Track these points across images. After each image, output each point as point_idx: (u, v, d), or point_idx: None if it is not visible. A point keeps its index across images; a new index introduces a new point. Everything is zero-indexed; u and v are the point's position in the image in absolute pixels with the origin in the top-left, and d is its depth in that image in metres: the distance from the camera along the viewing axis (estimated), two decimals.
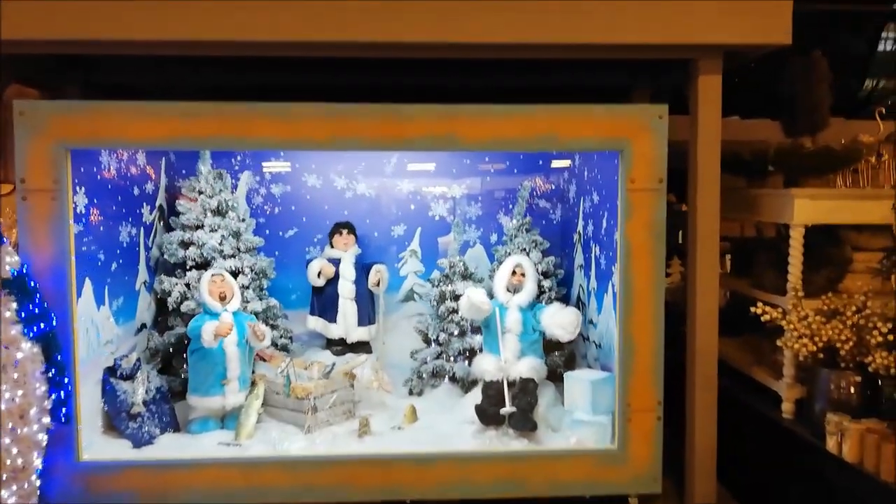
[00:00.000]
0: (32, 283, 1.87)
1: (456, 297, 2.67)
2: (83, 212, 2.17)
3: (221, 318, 2.36)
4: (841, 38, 3.91)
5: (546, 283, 2.73)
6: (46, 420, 1.86)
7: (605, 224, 2.37)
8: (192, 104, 2.02)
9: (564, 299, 2.78)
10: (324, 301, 2.77)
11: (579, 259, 2.75)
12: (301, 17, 1.97)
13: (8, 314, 1.78)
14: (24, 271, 1.86)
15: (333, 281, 2.74)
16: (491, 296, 2.52)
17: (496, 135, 2.12)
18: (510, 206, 2.93)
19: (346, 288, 2.74)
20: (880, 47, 3.99)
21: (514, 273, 2.54)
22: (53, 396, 1.88)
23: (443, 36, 2.01)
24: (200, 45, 2.02)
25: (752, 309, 2.23)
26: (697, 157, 2.18)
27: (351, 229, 2.80)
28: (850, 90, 3.92)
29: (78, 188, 2.12)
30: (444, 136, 2.11)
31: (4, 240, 1.85)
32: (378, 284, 2.75)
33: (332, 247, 2.79)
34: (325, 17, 1.98)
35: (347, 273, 2.74)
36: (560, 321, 2.44)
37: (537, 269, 2.65)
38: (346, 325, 2.74)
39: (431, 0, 2.00)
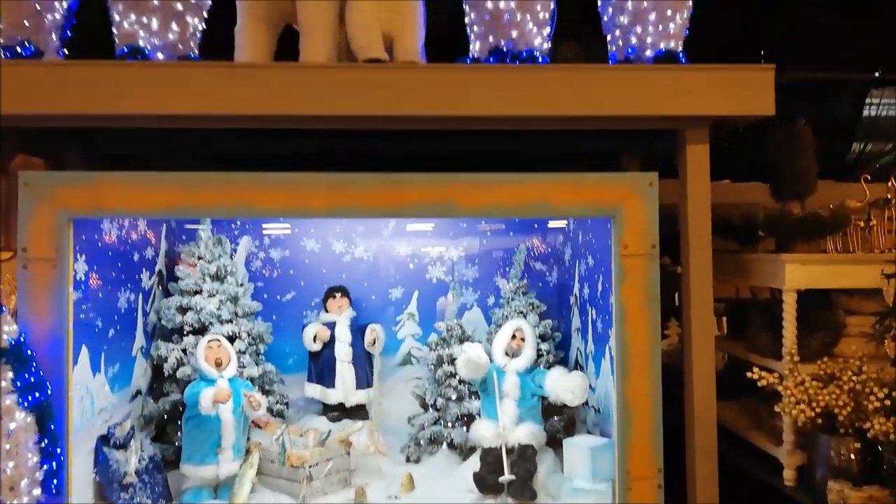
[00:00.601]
0: (29, 352, 1.87)
1: (454, 361, 2.67)
2: (83, 279, 2.18)
3: (218, 385, 2.35)
4: (826, 103, 4.03)
5: (544, 347, 2.73)
6: (37, 492, 1.82)
7: (600, 287, 2.39)
8: (193, 174, 2.06)
9: (562, 363, 2.77)
10: (321, 366, 2.77)
11: (576, 322, 2.76)
12: (297, 93, 2.03)
13: (4, 384, 1.77)
14: (22, 340, 1.86)
15: (330, 345, 2.74)
16: (489, 359, 2.51)
17: (490, 202, 2.16)
18: (507, 269, 2.96)
19: (342, 350, 2.73)
20: (865, 112, 4.11)
21: (513, 337, 2.54)
22: (45, 467, 1.85)
23: (436, 110, 2.08)
24: (201, 119, 2.07)
25: (749, 374, 2.23)
26: (688, 225, 2.22)
27: (344, 293, 2.82)
28: (838, 153, 4.01)
29: (78, 256, 2.14)
30: (441, 204, 2.15)
31: (3, 308, 1.86)
32: (374, 343, 2.75)
33: (327, 311, 2.80)
34: (323, 92, 2.04)
35: (343, 336, 2.75)
36: (568, 385, 2.43)
37: (535, 333, 2.65)
38: (345, 388, 2.72)
39: (424, 74, 2.08)
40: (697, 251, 2.23)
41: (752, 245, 2.67)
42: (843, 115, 4.09)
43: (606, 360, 2.33)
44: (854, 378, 2.11)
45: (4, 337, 1.81)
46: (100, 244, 2.32)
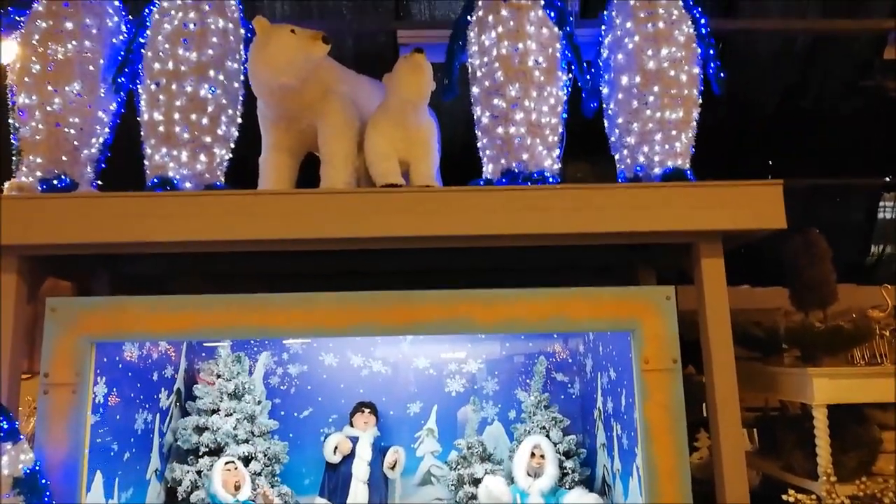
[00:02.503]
0: (44, 481, 1.85)
1: (475, 482, 2.58)
2: (101, 401, 2.19)
3: None
4: (839, 208, 4.06)
5: (568, 464, 2.63)
6: None
7: (624, 402, 2.34)
8: (212, 297, 2.11)
9: (588, 482, 2.66)
10: (335, 480, 2.68)
11: (601, 437, 2.67)
12: (318, 218, 2.11)
13: None
14: (37, 468, 1.85)
15: (348, 460, 2.68)
16: (511, 480, 2.43)
17: (507, 317, 2.16)
18: (527, 381, 2.91)
19: (360, 469, 2.66)
20: (880, 216, 4.13)
21: (532, 455, 2.46)
22: None
23: (452, 230, 2.13)
24: (226, 244, 2.14)
25: (785, 497, 2.12)
26: (709, 338, 2.19)
27: (373, 409, 2.79)
28: (858, 256, 4.00)
29: (98, 378, 2.16)
30: (457, 320, 2.16)
31: (21, 436, 1.86)
32: (394, 467, 2.67)
33: (353, 426, 2.76)
34: (343, 216, 2.11)
35: (364, 453, 2.68)
36: None
37: (558, 449, 2.57)
38: None
39: (439, 197, 2.15)
40: (720, 364, 2.19)
41: (776, 356, 2.62)
42: (858, 218, 4.11)
43: (634, 478, 2.24)
44: None
45: (20, 466, 1.80)
46: (120, 365, 2.34)
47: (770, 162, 3.72)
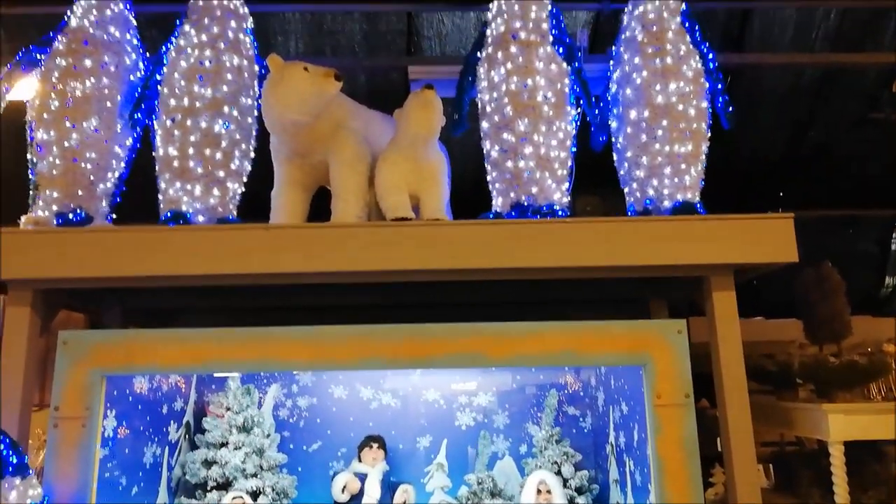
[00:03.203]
0: None
1: None
2: (111, 434, 2.18)
3: None
4: (852, 240, 4.04)
5: (580, 501, 2.59)
6: None
7: (636, 437, 2.31)
8: (222, 330, 2.11)
9: None
10: None
11: (614, 473, 2.63)
12: (329, 251, 2.12)
13: None
14: (45, 503, 1.84)
15: (357, 498, 2.64)
16: None
17: (518, 351, 2.15)
18: (539, 415, 2.88)
19: None
20: (893, 247, 4.10)
21: (539, 492, 2.43)
22: None
23: (463, 264, 2.13)
24: (238, 277, 2.15)
25: None
26: (722, 372, 2.17)
27: (381, 444, 2.76)
28: (872, 288, 3.96)
29: (108, 411, 2.16)
30: (468, 355, 2.15)
31: (30, 471, 1.86)
32: None
33: (360, 461, 2.73)
34: (354, 250, 2.12)
35: (372, 491, 2.65)
36: None
37: (570, 485, 2.53)
38: None
39: (449, 230, 2.16)
40: (733, 399, 2.16)
41: (790, 392, 2.58)
42: (871, 250, 4.08)
43: None
44: None
45: (28, 501, 1.80)
46: (130, 398, 2.34)
47: (781, 194, 3.71)
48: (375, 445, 2.74)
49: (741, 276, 2.24)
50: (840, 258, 2.78)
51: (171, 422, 2.63)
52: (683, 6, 2.46)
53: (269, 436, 2.72)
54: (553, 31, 2.42)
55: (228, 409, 2.70)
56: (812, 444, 2.75)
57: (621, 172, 2.46)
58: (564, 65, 2.39)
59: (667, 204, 2.29)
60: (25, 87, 2.44)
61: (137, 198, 2.48)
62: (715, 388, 2.23)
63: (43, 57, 2.39)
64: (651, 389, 2.10)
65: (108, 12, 2.43)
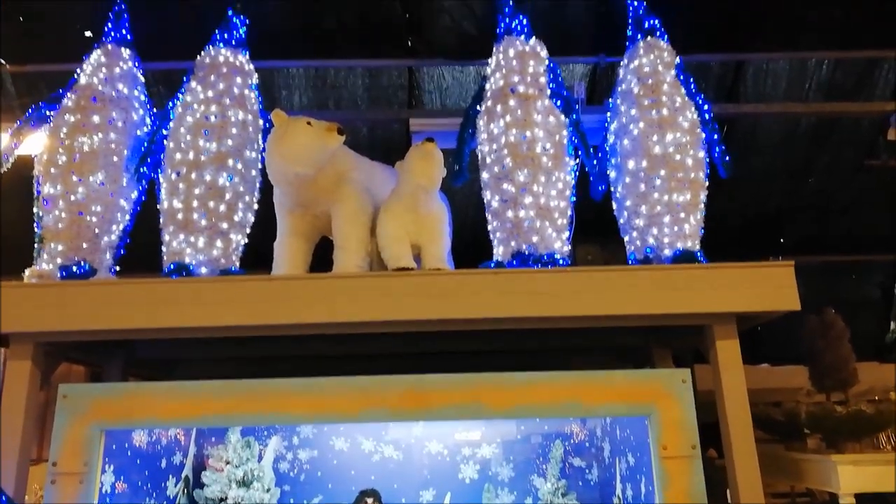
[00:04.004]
0: None
1: None
2: (108, 490, 2.14)
3: None
4: (855, 286, 4.04)
5: None
6: None
7: (644, 489, 2.26)
8: (223, 383, 2.09)
9: None
10: None
11: None
12: (331, 301, 2.12)
13: None
14: None
15: None
16: None
17: (520, 402, 2.12)
18: (544, 466, 2.83)
19: None
20: None
21: None
22: None
23: (464, 313, 2.13)
24: (240, 329, 2.15)
25: None
26: (728, 422, 2.13)
27: (377, 498, 2.70)
28: (877, 334, 3.94)
29: (107, 466, 2.12)
30: (469, 406, 2.12)
31: None
32: None
33: None
34: (356, 300, 2.12)
35: None
36: None
37: None
38: None
39: (451, 280, 2.16)
40: (741, 449, 2.12)
41: (798, 442, 2.54)
42: (875, 295, 4.07)
43: None
44: None
45: None
46: (129, 452, 2.30)
47: (781, 240, 3.73)
48: (370, 500, 2.69)
49: (744, 324, 2.23)
50: (843, 304, 2.77)
51: (170, 476, 2.59)
52: (678, 60, 2.52)
53: (269, 490, 2.67)
54: (551, 85, 2.47)
55: (228, 462, 2.66)
56: (823, 496, 2.69)
57: (621, 221, 2.48)
58: (562, 117, 2.44)
59: (667, 252, 2.30)
60: (34, 142, 2.49)
61: (141, 250, 2.51)
62: (721, 439, 2.19)
63: (52, 113, 2.45)
64: (657, 441, 2.07)
65: (117, 70, 2.50)
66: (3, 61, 3.40)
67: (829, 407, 2.35)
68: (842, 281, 4.04)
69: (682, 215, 2.29)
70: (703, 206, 2.34)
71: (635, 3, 2.63)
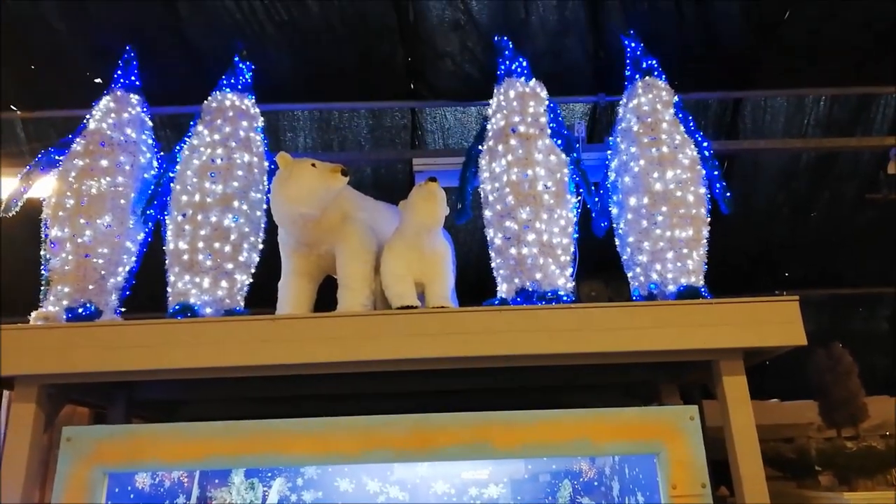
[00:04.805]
0: None
1: None
2: None
3: None
4: (863, 319, 4.02)
5: None
6: None
7: None
8: (226, 424, 2.08)
9: None
10: None
11: None
12: (335, 341, 2.12)
13: None
14: None
15: None
16: None
17: (528, 441, 2.10)
18: None
19: None
20: None
21: None
22: None
23: (468, 351, 2.13)
24: (239, 370, 2.15)
25: None
26: (737, 459, 2.10)
27: None
28: (887, 367, 3.90)
29: None
30: (476, 445, 2.10)
31: None
32: None
33: None
34: (360, 339, 2.12)
35: None
36: None
37: None
38: None
39: (454, 317, 2.16)
40: (751, 488, 2.08)
41: (810, 478, 2.49)
42: (883, 328, 4.04)
43: None
44: None
45: None
46: (132, 495, 2.28)
47: (787, 274, 3.72)
48: None
49: (751, 360, 2.21)
50: (851, 338, 2.75)
51: None
52: (676, 98, 2.56)
53: None
54: (551, 124, 2.51)
55: None
56: None
57: (624, 257, 2.49)
58: (563, 155, 2.47)
59: (671, 288, 2.30)
60: (43, 186, 2.52)
61: (147, 290, 2.52)
62: (732, 477, 2.16)
63: (61, 158, 2.49)
64: (666, 480, 2.03)
65: (125, 115, 2.55)
66: (13, 107, 3.47)
67: (839, 443, 2.32)
68: (848, 314, 4.01)
69: (686, 251, 2.30)
70: (705, 241, 2.35)
71: (633, 45, 2.69)
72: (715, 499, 2.03)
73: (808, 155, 3.84)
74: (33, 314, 2.25)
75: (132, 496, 2.28)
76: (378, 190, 3.55)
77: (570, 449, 2.16)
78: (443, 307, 2.32)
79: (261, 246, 2.47)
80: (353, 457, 2.11)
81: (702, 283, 2.30)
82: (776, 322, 2.13)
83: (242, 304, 2.36)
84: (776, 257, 3.99)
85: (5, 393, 2.65)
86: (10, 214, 2.47)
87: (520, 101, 2.50)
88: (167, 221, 2.41)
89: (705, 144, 2.50)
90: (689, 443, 2.05)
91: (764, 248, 3.97)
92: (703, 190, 2.42)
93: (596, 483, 2.86)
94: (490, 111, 2.58)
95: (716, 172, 2.45)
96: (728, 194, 2.43)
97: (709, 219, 2.40)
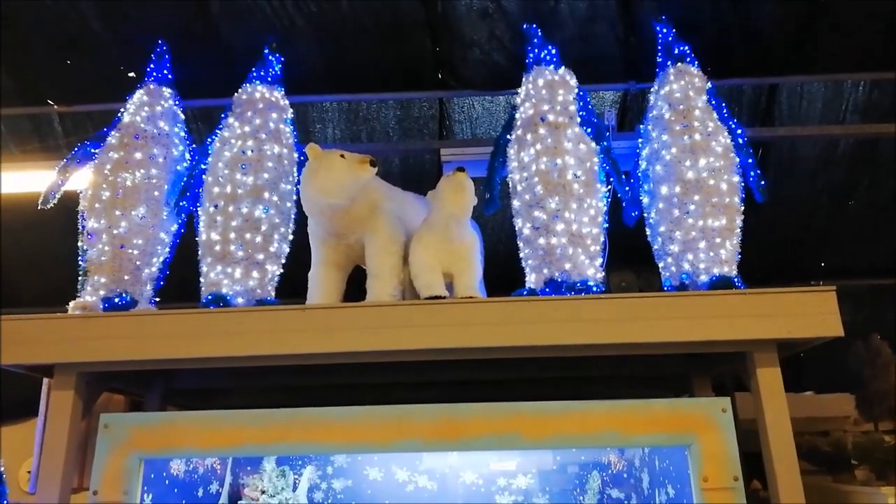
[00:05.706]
0: None
1: None
2: None
3: None
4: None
5: None
6: None
7: None
8: (259, 412, 2.11)
9: None
10: None
11: None
12: (365, 330, 2.13)
13: None
14: None
15: None
16: None
17: (558, 432, 2.09)
18: (581, 498, 2.77)
19: None
20: None
21: None
22: None
23: (497, 342, 2.12)
24: (270, 359, 2.18)
25: None
26: (771, 452, 2.07)
27: None
28: None
29: (145, 495, 2.15)
30: (506, 436, 2.10)
31: None
32: None
33: None
34: (389, 329, 2.13)
35: None
36: None
37: None
38: None
39: (483, 308, 2.16)
40: (785, 481, 2.05)
41: (846, 472, 2.44)
42: None
43: None
44: None
45: None
46: (167, 481, 2.33)
47: (822, 264, 3.63)
48: None
49: (785, 351, 2.17)
50: (890, 330, 2.67)
51: None
52: (709, 85, 2.51)
53: None
54: (581, 113, 2.48)
55: (263, 492, 2.67)
56: None
57: (655, 247, 2.46)
58: (593, 144, 2.44)
59: (703, 278, 2.26)
60: (79, 179, 2.58)
61: (180, 281, 2.56)
62: (765, 470, 2.13)
63: (97, 151, 2.54)
64: (697, 472, 2.01)
65: (159, 108, 2.59)
66: (51, 102, 3.55)
67: (877, 437, 2.27)
68: (888, 305, 3.91)
69: (718, 240, 2.26)
70: (739, 230, 2.31)
71: (664, 31, 2.64)
72: (747, 493, 2.00)
73: (846, 142, 3.73)
74: (71, 304, 2.31)
75: (167, 482, 2.33)
76: (406, 180, 3.56)
77: (599, 441, 2.14)
78: (471, 297, 2.31)
79: (291, 237, 2.50)
80: (383, 445, 2.13)
81: (735, 273, 2.26)
82: (812, 313, 2.08)
83: (273, 294, 2.38)
84: (813, 246, 3.90)
85: (45, 381, 2.73)
86: (49, 206, 2.53)
87: (549, 90, 2.47)
88: (199, 213, 2.45)
89: (739, 132, 2.45)
90: (720, 435, 2.02)
91: (800, 238, 3.89)
92: (736, 178, 2.37)
93: (625, 475, 2.84)
94: (518, 100, 2.56)
95: (750, 160, 2.40)
96: (763, 182, 2.38)
97: (742, 207, 2.36)
